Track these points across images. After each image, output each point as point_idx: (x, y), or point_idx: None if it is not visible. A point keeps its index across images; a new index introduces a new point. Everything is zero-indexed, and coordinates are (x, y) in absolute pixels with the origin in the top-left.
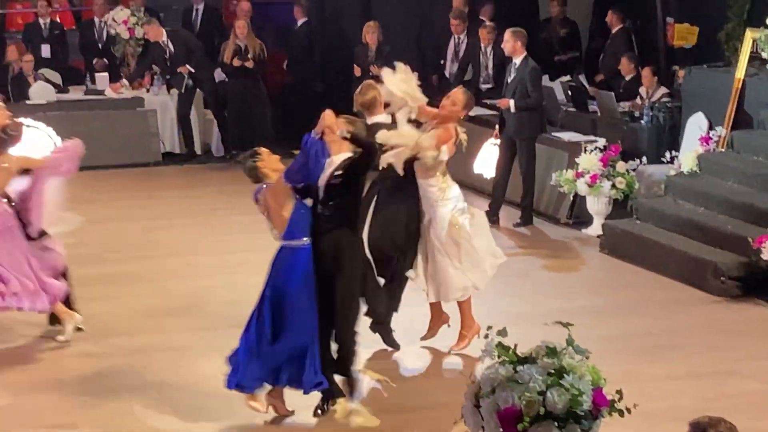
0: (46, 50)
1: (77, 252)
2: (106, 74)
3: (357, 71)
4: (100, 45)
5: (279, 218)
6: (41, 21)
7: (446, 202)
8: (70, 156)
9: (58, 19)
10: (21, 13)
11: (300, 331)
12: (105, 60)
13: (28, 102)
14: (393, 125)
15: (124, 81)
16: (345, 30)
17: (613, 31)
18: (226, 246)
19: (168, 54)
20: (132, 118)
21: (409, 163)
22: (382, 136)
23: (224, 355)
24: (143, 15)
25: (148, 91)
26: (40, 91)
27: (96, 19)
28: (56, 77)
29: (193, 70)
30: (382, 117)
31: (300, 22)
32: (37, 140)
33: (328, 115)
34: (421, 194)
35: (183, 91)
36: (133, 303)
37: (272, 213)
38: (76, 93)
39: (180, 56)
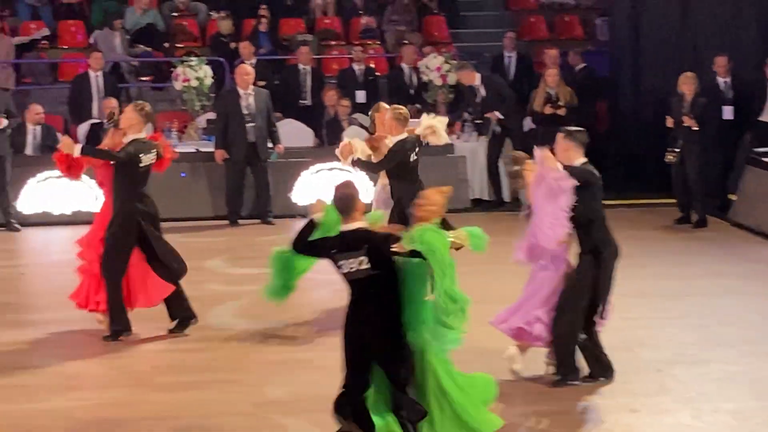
0: (360, 96)
1: None
2: (417, 121)
3: (669, 122)
4: (411, 91)
5: None
6: (356, 67)
7: None
8: None
9: (372, 65)
10: (337, 59)
11: None
12: (417, 105)
13: None
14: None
15: None
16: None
17: None
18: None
19: (479, 98)
20: (442, 164)
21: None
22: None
23: None
24: (456, 61)
25: (458, 137)
26: (353, 135)
27: (405, 66)
28: (369, 122)
29: (502, 117)
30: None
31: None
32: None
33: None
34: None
35: (491, 137)
36: None
37: None
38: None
39: (491, 102)
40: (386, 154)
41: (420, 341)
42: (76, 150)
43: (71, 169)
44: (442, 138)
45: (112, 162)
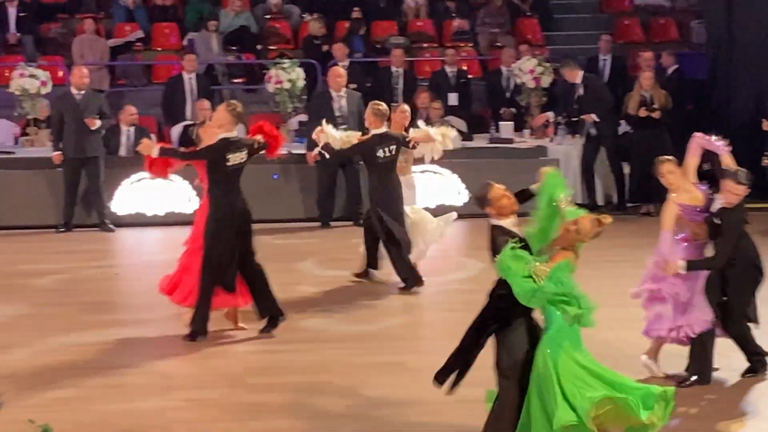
0: (452, 98)
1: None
2: (511, 123)
3: (765, 125)
4: (507, 94)
5: None
6: (448, 69)
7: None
8: None
9: (464, 68)
10: (429, 62)
11: None
12: (512, 109)
13: None
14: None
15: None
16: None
17: None
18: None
19: (576, 97)
20: (535, 167)
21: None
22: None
23: None
24: (549, 64)
25: (551, 140)
26: None
27: (503, 69)
28: (461, 125)
29: (598, 120)
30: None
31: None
32: (443, 186)
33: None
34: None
35: (586, 140)
36: None
37: None
38: (480, 141)
39: (588, 102)
40: (353, 144)
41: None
42: (155, 151)
43: (156, 168)
44: (444, 146)
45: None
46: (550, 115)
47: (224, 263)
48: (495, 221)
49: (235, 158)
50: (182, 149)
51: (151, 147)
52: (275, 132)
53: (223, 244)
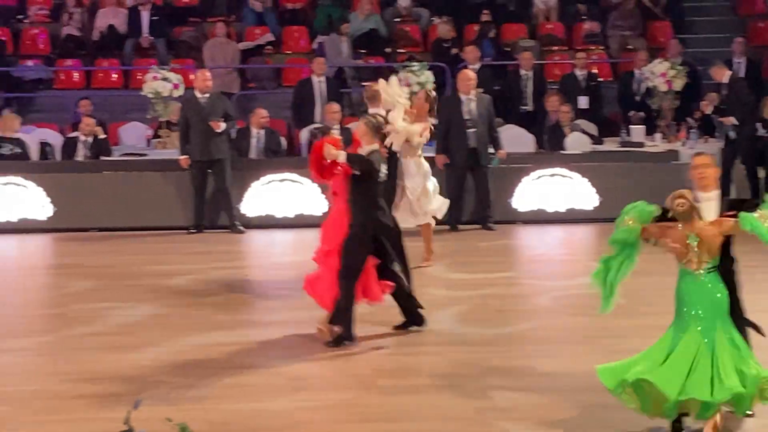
0: (583, 101)
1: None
2: (642, 127)
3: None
4: (637, 97)
5: None
6: (578, 72)
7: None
8: None
9: (595, 71)
10: (559, 65)
11: None
12: (642, 113)
13: (562, 152)
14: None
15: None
16: None
17: None
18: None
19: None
20: (665, 172)
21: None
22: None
23: None
24: (682, 67)
25: (683, 144)
26: (576, 142)
27: (636, 72)
28: (592, 128)
29: (737, 123)
30: (380, 110)
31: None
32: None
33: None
34: (404, 169)
35: (726, 143)
36: None
37: None
38: (610, 144)
39: (730, 103)
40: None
41: None
42: (341, 157)
43: (323, 172)
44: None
45: (355, 171)
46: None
47: (358, 272)
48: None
49: (383, 170)
50: (366, 158)
51: (336, 153)
52: None
53: (362, 254)
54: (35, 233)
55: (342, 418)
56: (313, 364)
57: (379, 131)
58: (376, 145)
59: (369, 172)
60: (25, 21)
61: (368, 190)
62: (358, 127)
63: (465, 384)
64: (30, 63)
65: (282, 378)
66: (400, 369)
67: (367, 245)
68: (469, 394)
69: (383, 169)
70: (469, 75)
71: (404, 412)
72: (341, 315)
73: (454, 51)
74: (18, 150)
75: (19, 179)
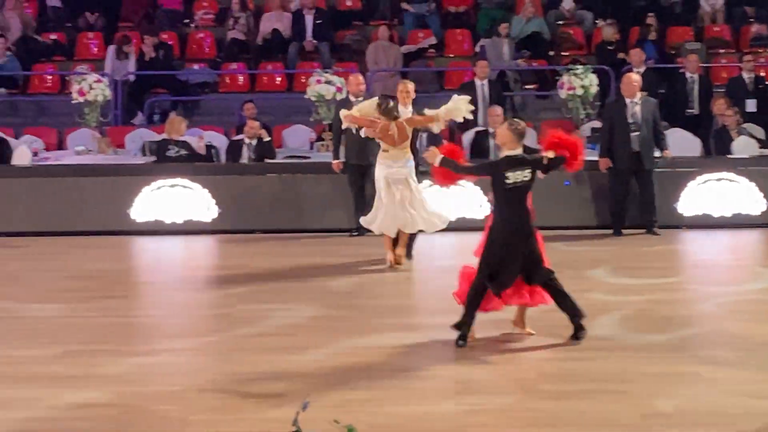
0: (750, 105)
1: None
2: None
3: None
4: None
5: None
6: (745, 75)
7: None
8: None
9: (763, 74)
10: (725, 67)
11: None
12: None
13: (729, 156)
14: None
15: None
16: None
17: None
18: None
19: None
20: None
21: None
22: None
23: None
24: None
25: None
26: (743, 146)
27: None
28: (759, 132)
29: None
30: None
31: None
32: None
33: None
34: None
35: None
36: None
37: None
38: None
39: None
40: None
41: None
42: (437, 160)
43: (440, 176)
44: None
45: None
46: None
47: (496, 273)
48: None
49: (516, 176)
50: (460, 163)
51: (435, 155)
52: (573, 143)
53: (498, 258)
54: (200, 234)
55: (507, 422)
56: (476, 368)
57: (522, 136)
58: (518, 150)
59: (495, 178)
60: (191, 25)
61: (497, 195)
62: (500, 131)
63: (629, 390)
64: (196, 66)
65: (445, 381)
66: (564, 374)
67: (501, 251)
68: (633, 401)
69: (515, 174)
70: (633, 78)
71: (568, 417)
72: (466, 311)
73: (620, 55)
74: (184, 152)
75: (185, 181)
